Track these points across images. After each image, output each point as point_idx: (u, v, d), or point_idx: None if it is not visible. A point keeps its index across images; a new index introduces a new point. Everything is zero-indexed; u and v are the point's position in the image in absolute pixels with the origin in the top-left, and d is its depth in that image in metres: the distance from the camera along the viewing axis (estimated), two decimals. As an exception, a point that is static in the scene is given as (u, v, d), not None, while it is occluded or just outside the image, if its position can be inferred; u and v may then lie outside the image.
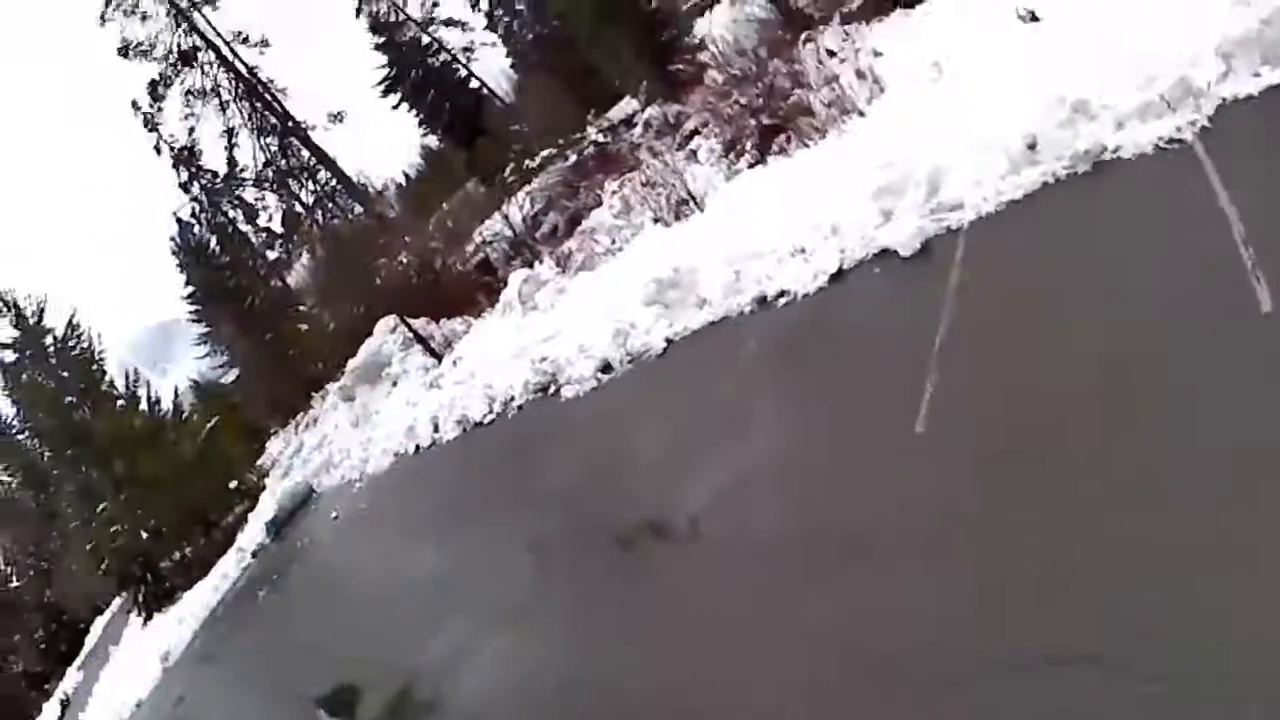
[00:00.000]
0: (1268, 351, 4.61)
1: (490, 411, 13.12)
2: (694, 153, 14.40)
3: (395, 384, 17.59)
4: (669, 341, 10.15)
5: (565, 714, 6.08)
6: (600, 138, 20.44)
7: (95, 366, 24.41)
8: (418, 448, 14.89)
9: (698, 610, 5.90)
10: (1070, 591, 4.10)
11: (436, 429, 14.37)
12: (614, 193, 15.60)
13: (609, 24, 18.52)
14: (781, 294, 8.92)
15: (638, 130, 18.23)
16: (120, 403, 23.32)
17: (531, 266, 16.79)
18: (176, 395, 26.26)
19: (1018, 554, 4.46)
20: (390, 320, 18.18)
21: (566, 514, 8.67)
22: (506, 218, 18.68)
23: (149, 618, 20.30)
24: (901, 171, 8.44)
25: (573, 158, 20.71)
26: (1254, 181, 5.79)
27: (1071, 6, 9.54)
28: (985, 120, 8.31)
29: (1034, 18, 10.52)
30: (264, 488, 20.92)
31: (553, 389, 11.77)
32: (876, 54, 12.19)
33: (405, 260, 19.16)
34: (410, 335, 17.27)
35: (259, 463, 23.57)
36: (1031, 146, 7.64)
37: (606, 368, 10.80)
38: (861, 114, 11.25)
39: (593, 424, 10.43)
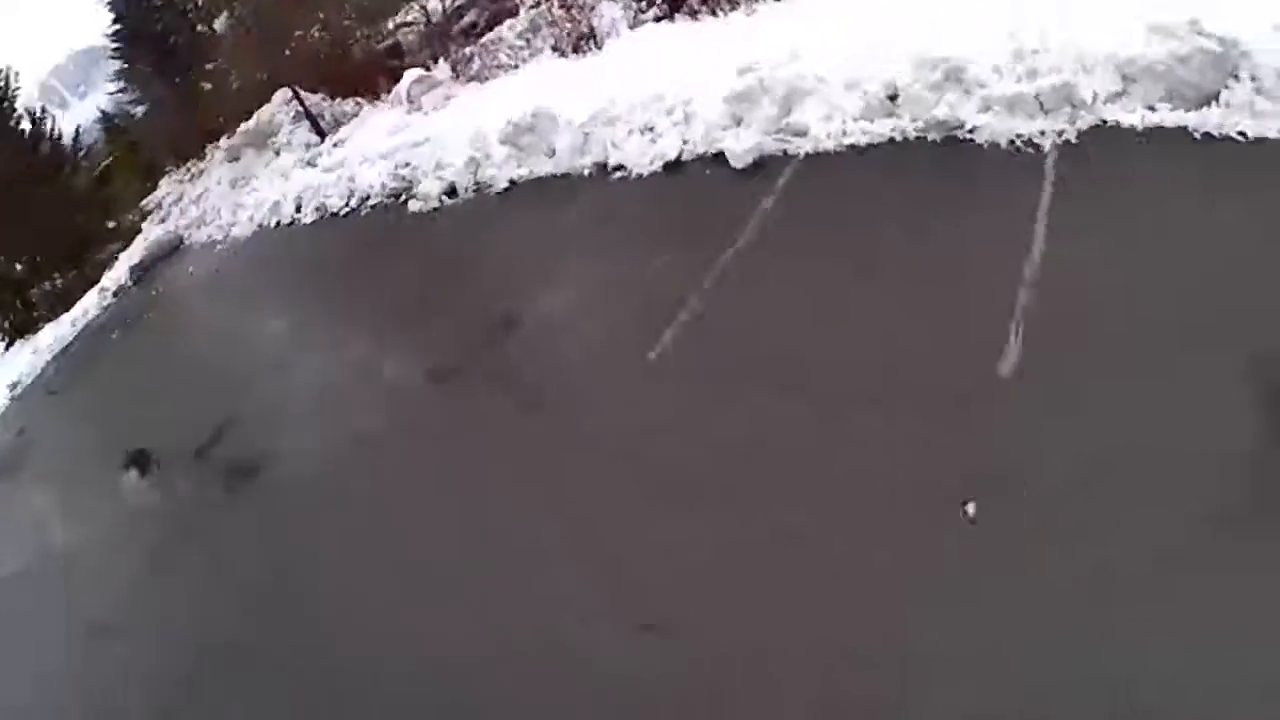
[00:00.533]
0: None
1: (347, 205, 12.97)
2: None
3: (278, 154, 17.05)
4: (512, 183, 10.07)
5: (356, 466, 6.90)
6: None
7: (4, 103, 23.09)
8: (278, 223, 14.65)
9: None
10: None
11: (299, 210, 14.12)
12: (530, 7, 14.87)
13: None
14: (620, 167, 8.86)
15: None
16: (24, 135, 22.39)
17: (436, 62, 16.16)
18: (78, 134, 25.08)
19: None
20: (287, 91, 17.42)
21: (388, 311, 9.24)
22: (424, 6, 17.69)
23: (10, 344, 20.22)
24: (763, 81, 8.23)
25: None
26: (1084, 223, 5.44)
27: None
28: (863, 58, 7.96)
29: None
30: (140, 230, 20.50)
31: (404, 198, 11.69)
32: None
33: (317, 33, 18.15)
34: (301, 109, 16.63)
35: (143, 203, 22.94)
36: (892, 98, 7.30)
37: (452, 192, 10.71)
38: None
39: (427, 240, 10.51)
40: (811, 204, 7.07)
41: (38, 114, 23.38)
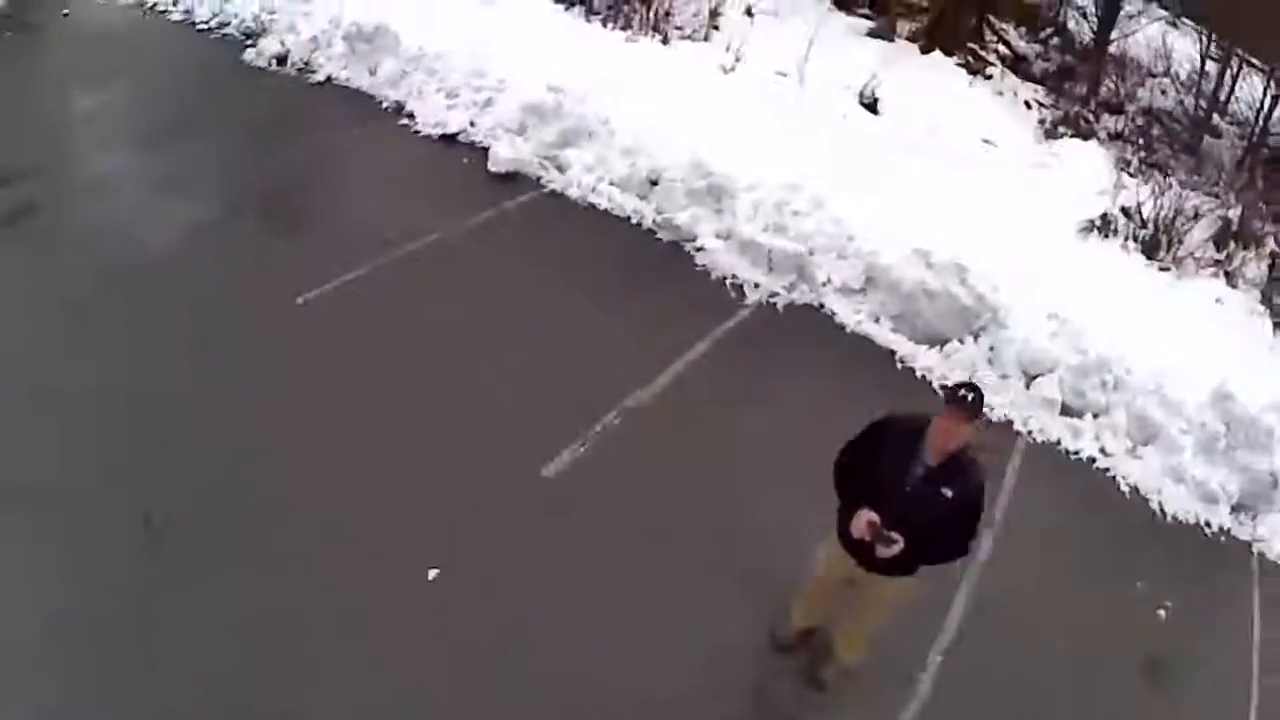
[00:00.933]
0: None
1: (208, 22, 12.36)
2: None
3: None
4: (328, 79, 9.79)
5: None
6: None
7: None
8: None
9: None
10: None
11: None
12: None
13: None
14: (410, 115, 8.86)
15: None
16: None
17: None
18: None
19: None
20: None
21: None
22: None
23: None
24: (561, 105, 8.29)
25: None
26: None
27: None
28: (663, 131, 8.17)
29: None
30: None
31: (246, 43, 11.30)
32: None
33: None
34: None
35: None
36: (653, 183, 7.75)
37: (283, 60, 10.44)
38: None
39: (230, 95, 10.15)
40: (524, 230, 7.24)
41: None
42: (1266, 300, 9.53)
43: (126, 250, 6.36)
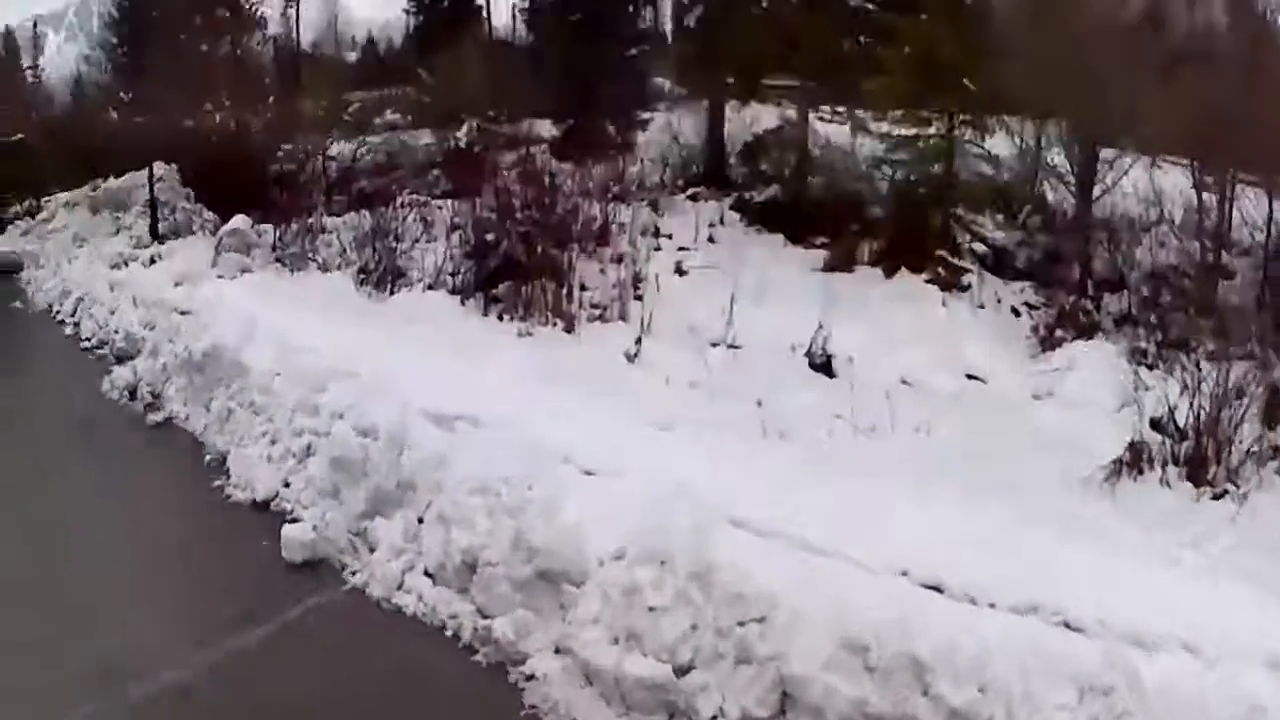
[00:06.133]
0: None
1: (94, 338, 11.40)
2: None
3: (116, 232, 15.67)
4: (168, 419, 8.56)
5: None
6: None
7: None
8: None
9: None
10: None
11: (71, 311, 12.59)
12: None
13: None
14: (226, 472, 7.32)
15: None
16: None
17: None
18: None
19: None
20: (164, 166, 16.06)
21: None
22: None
23: None
24: (369, 451, 6.62)
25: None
26: None
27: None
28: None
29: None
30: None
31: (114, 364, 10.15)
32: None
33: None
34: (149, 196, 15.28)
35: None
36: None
37: (133, 393, 9.15)
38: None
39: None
40: (294, 663, 5.14)
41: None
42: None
43: None
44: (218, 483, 7.19)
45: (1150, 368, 9.51)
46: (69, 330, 12.89)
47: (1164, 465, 7.66)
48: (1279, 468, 7.63)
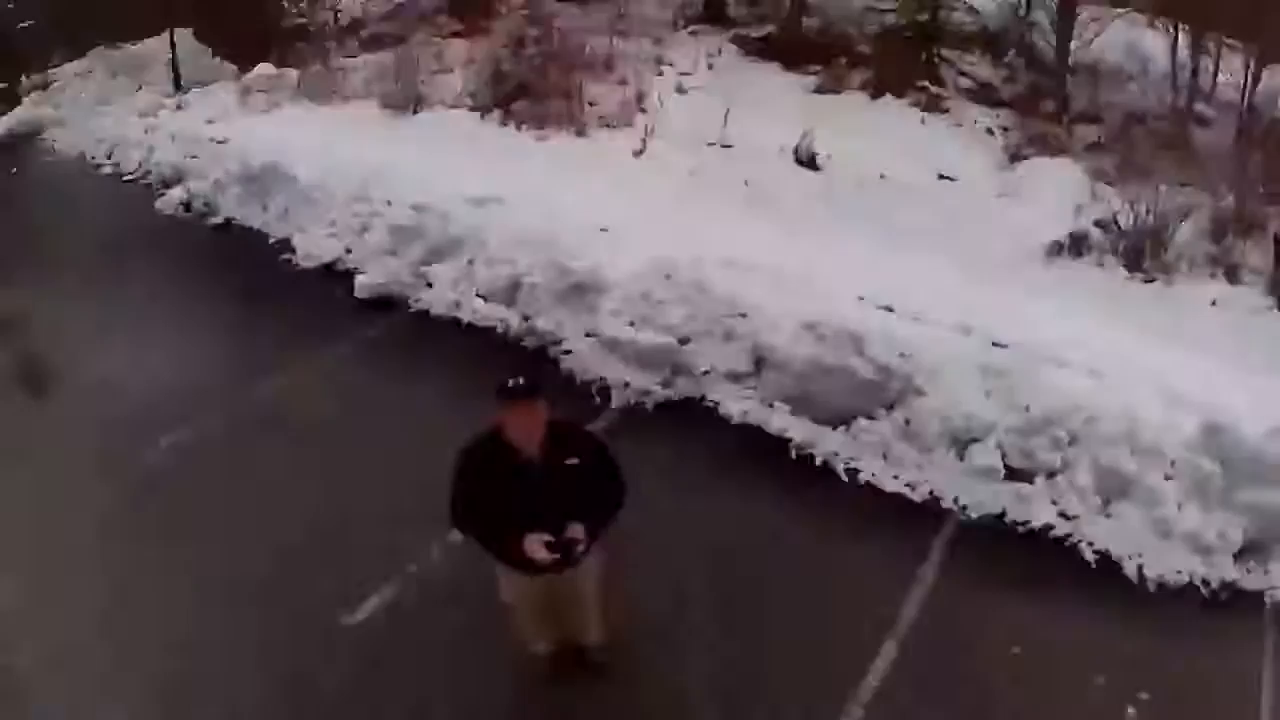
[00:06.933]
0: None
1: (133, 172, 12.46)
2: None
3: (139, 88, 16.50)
4: (228, 221, 9.73)
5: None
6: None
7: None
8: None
9: None
10: None
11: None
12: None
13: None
14: (292, 250, 8.55)
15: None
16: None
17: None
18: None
19: None
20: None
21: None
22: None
23: None
24: (422, 224, 7.98)
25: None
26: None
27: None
28: (536, 234, 7.61)
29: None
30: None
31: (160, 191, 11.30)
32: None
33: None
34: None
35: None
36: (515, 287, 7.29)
37: (188, 207, 10.30)
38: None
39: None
40: (385, 354, 6.81)
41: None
42: (1273, 289, 8.31)
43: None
44: (285, 256, 8.42)
45: (1109, 184, 10.08)
46: (108, 170, 13.71)
47: (1102, 253, 8.72)
48: (1211, 272, 8.63)
